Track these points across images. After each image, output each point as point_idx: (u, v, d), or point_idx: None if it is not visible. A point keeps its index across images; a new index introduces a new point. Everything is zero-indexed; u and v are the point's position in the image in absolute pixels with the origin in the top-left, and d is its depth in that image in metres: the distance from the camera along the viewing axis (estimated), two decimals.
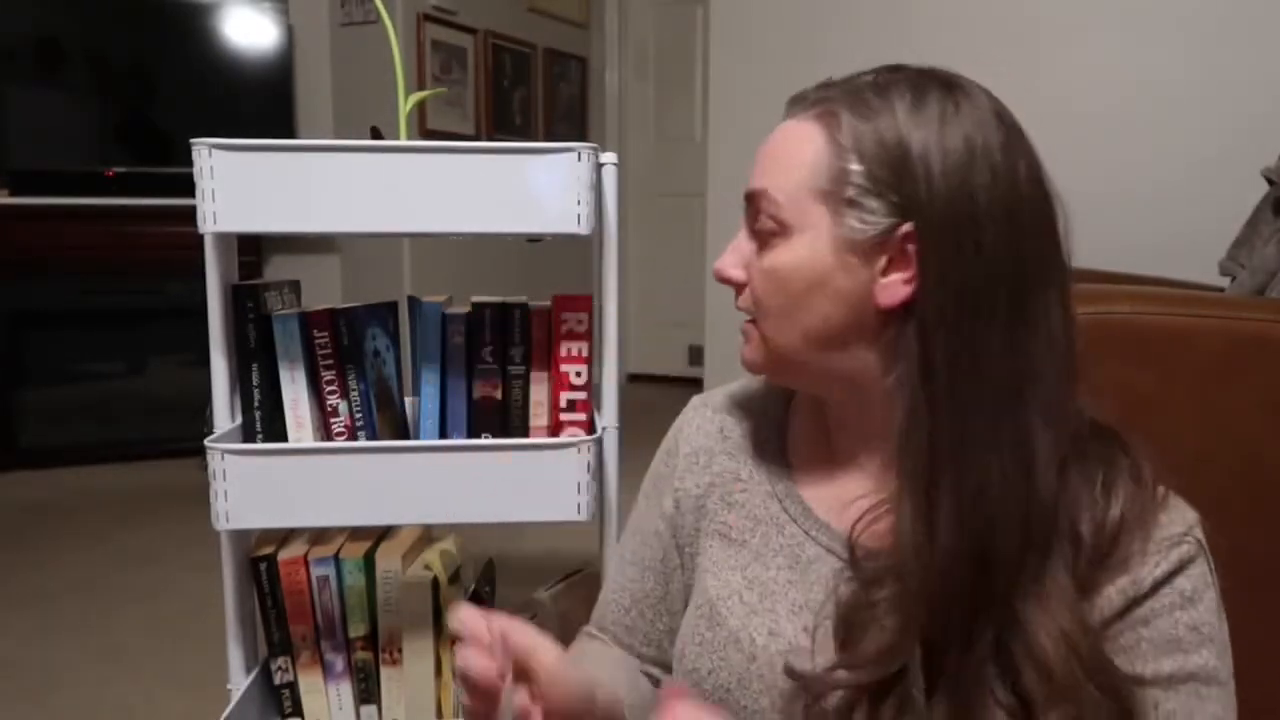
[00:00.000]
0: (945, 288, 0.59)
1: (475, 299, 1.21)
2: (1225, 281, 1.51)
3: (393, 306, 1.23)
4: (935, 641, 0.59)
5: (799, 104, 0.66)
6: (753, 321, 0.68)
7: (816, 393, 0.71)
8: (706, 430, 0.78)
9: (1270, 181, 1.46)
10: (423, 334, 1.19)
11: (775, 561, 0.70)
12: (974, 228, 0.58)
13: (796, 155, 0.63)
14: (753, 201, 0.66)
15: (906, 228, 0.59)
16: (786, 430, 0.76)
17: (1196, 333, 0.95)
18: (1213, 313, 0.97)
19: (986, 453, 0.58)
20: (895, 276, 0.61)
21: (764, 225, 0.64)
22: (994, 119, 0.60)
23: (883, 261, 0.61)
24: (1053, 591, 0.58)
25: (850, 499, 0.67)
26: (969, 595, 0.58)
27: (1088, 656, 0.57)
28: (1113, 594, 0.60)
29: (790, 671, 0.64)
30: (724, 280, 0.68)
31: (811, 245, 0.62)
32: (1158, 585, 0.60)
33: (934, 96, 0.60)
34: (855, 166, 0.60)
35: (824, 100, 0.64)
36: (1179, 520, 0.62)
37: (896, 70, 0.64)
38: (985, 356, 0.59)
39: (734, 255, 0.68)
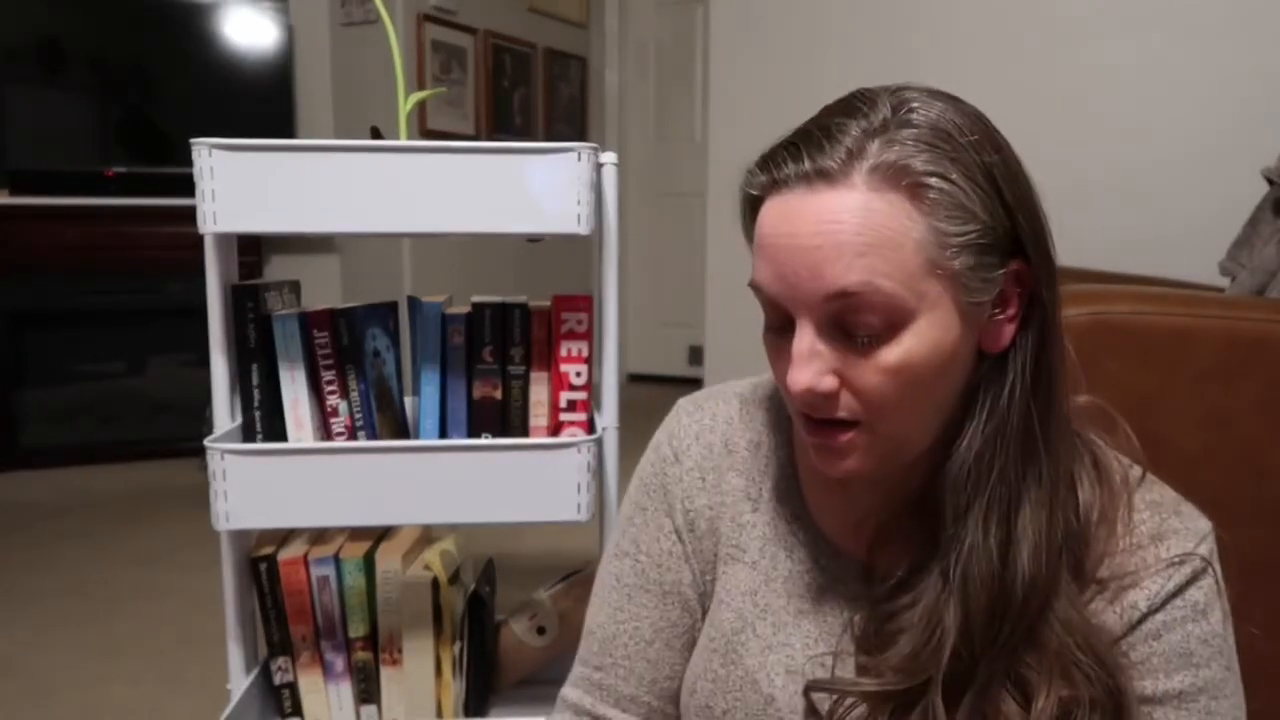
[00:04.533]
0: (1044, 313, 0.58)
1: (475, 299, 1.21)
2: (1225, 281, 1.51)
3: (393, 306, 1.23)
4: (963, 654, 0.59)
5: (825, 160, 0.54)
6: (856, 427, 0.58)
7: None
8: (709, 442, 0.72)
9: (1270, 182, 1.46)
10: (423, 334, 1.19)
11: (786, 588, 0.68)
12: (1050, 242, 0.58)
13: (887, 234, 0.53)
14: (839, 300, 0.54)
15: (1015, 265, 0.57)
16: (791, 442, 0.71)
17: (1196, 333, 0.95)
18: (1213, 313, 0.97)
19: (1056, 471, 0.59)
20: (1001, 317, 0.58)
21: (867, 323, 0.55)
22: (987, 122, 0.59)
23: (990, 303, 0.58)
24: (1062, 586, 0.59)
25: (860, 516, 0.65)
26: (1006, 613, 0.58)
27: (1082, 636, 0.58)
28: (1125, 608, 0.60)
29: (815, 683, 0.63)
30: (818, 395, 0.57)
31: (941, 323, 0.55)
32: (1170, 598, 0.60)
33: (969, 113, 0.57)
34: (962, 227, 0.54)
35: (880, 166, 0.54)
36: (1192, 532, 0.61)
37: (896, 91, 0.57)
38: (1060, 378, 0.60)
39: (817, 363, 0.56)
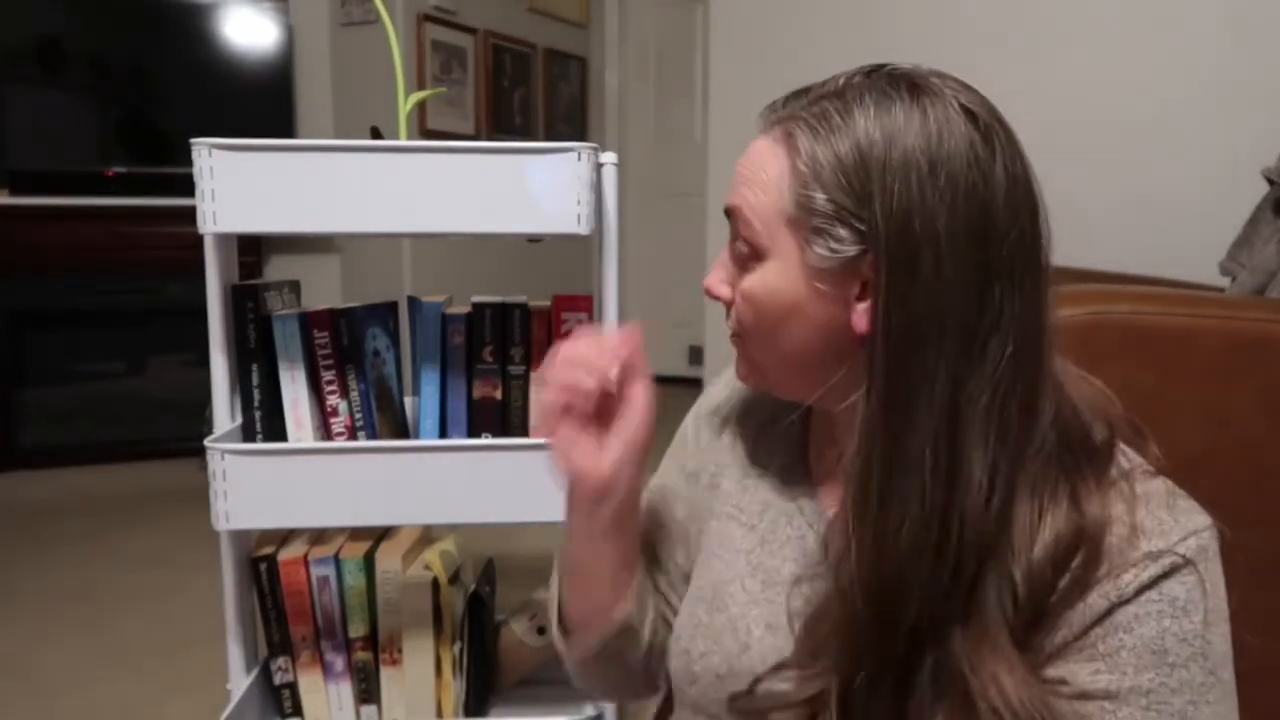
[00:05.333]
0: (896, 318, 0.56)
1: (475, 299, 1.21)
2: (1225, 281, 1.51)
3: (393, 306, 1.23)
4: (849, 670, 0.59)
5: (767, 116, 0.64)
6: (740, 338, 0.67)
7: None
8: (735, 402, 0.79)
9: (1270, 181, 1.46)
10: (423, 334, 1.19)
11: (783, 552, 0.70)
12: (934, 253, 0.55)
13: (764, 177, 0.61)
14: (730, 218, 0.65)
15: (868, 258, 0.57)
16: (809, 418, 0.74)
17: (1196, 333, 0.95)
18: (1213, 313, 0.97)
19: (914, 479, 0.57)
20: (865, 304, 0.59)
21: (739, 248, 0.64)
22: (963, 121, 0.57)
23: (856, 287, 0.59)
24: (988, 629, 0.57)
25: None
26: (887, 624, 0.58)
27: (1016, 701, 0.55)
28: (1095, 599, 0.58)
29: (734, 696, 0.66)
30: (712, 297, 0.68)
31: (784, 271, 0.61)
32: (1143, 589, 0.57)
33: (899, 108, 0.57)
34: (818, 194, 0.58)
35: (788, 117, 0.61)
36: (1178, 527, 0.59)
37: (869, 74, 0.60)
38: (924, 386, 0.56)
39: (720, 271, 0.67)
